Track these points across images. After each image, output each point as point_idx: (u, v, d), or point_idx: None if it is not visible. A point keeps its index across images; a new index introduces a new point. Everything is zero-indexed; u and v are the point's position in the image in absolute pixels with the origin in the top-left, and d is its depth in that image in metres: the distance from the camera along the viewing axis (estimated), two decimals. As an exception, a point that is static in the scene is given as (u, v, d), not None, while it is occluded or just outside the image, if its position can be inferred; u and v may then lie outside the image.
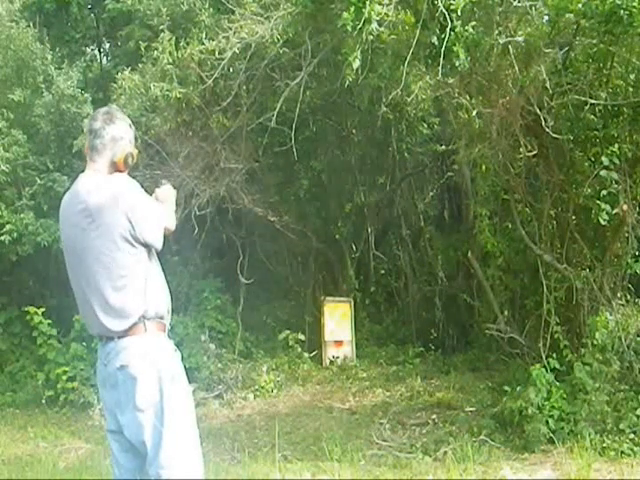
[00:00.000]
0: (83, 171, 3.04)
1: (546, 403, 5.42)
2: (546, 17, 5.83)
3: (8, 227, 8.32)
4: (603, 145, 6.01)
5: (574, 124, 6.12)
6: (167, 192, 3.18)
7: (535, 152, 6.07)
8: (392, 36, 5.90)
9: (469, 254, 7.55)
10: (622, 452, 5.09)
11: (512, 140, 6.21)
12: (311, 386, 8.07)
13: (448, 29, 5.05)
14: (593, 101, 5.82)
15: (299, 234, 9.63)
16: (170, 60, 6.94)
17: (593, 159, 6.20)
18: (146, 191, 3.01)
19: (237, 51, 6.53)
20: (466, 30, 5.16)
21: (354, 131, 10.06)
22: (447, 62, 5.17)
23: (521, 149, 6.06)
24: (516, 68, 5.60)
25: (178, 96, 6.98)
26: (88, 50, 11.50)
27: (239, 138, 7.98)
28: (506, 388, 5.93)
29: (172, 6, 7.87)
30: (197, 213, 7.72)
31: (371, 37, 5.19)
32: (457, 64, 5.19)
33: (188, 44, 6.89)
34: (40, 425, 7.28)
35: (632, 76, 5.93)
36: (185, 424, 2.88)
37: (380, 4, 5.16)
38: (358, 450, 5.52)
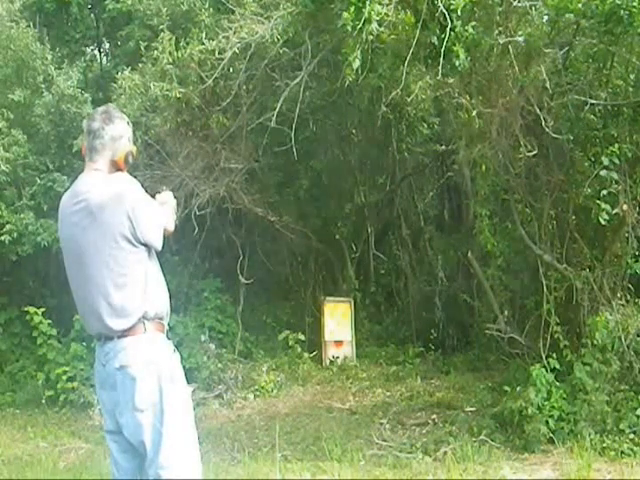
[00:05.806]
0: (83, 171, 3.03)
1: (546, 403, 5.43)
2: (546, 17, 5.84)
3: (8, 227, 8.31)
4: (603, 145, 6.00)
5: (574, 124, 6.11)
6: (167, 197, 3.23)
7: (535, 152, 6.05)
8: (392, 36, 5.89)
9: (469, 254, 7.54)
10: (622, 452, 5.11)
11: (512, 140, 6.20)
12: (311, 386, 8.07)
13: (448, 29, 5.05)
14: (593, 101, 5.82)
15: (299, 234, 9.63)
16: (170, 60, 6.94)
17: (593, 159, 6.19)
18: (146, 191, 3.01)
19: (237, 51, 6.53)
20: (466, 30, 5.16)
21: (354, 131, 10.06)
22: (447, 62, 5.17)
23: (521, 149, 6.05)
24: (516, 68, 5.60)
25: (178, 96, 6.98)
26: (88, 50, 11.48)
27: (239, 138, 7.98)
28: (506, 388, 5.94)
29: (172, 6, 7.85)
30: (197, 213, 7.71)
31: (371, 37, 5.18)
32: (457, 64, 5.19)
33: (188, 44, 6.89)
34: (40, 425, 7.28)
35: (632, 76, 5.93)
36: (184, 425, 2.89)
37: (380, 4, 5.16)
38: (358, 450, 5.52)
